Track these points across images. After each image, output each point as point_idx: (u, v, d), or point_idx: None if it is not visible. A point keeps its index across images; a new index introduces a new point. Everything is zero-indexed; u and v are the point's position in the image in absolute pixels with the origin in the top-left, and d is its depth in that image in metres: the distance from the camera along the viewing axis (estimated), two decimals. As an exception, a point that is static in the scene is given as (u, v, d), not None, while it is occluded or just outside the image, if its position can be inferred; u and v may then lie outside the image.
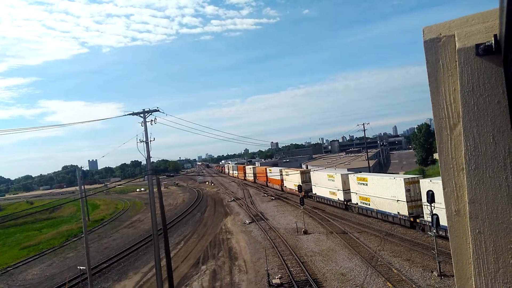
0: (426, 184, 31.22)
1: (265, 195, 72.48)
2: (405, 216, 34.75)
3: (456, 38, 1.61)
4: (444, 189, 1.68)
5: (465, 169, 1.58)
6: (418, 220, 33.28)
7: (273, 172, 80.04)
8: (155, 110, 24.12)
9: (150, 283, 28.69)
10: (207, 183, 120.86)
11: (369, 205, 40.88)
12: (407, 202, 34.25)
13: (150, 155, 23.91)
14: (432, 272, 23.74)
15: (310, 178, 60.05)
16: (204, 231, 45.41)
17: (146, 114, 24.02)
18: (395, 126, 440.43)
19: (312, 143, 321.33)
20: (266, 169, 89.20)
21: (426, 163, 79.12)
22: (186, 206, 70.40)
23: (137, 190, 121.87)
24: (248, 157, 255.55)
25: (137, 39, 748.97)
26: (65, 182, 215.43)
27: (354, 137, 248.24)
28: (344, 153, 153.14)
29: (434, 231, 23.79)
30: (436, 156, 75.71)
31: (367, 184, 41.19)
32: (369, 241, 32.41)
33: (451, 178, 1.66)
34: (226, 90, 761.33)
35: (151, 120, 24.08)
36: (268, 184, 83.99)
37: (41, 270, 37.62)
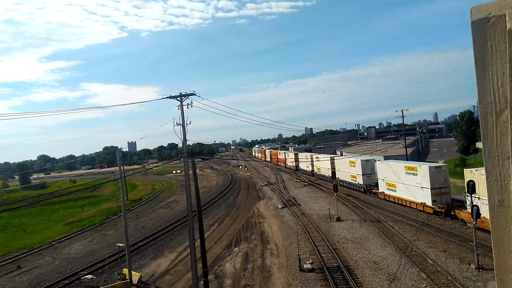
0: (336, 160, 63.17)
1: (298, 180, 72.45)
2: (329, 176, 60.03)
3: (507, 18, 1.51)
4: (487, 178, 1.60)
5: (510, 158, 1.50)
6: (334, 178, 55.58)
7: (280, 154, 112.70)
8: (192, 94, 24.38)
9: (184, 262, 29.63)
10: (240, 167, 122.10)
11: (320, 172, 70.47)
12: (331, 169, 61.07)
13: (186, 138, 24.34)
14: (470, 264, 23.04)
15: (298, 157, 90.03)
16: (237, 214, 46.12)
17: (182, 97, 24.37)
18: (436, 113, 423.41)
19: (347, 129, 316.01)
20: (277, 152, 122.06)
21: (467, 152, 75.98)
22: (220, 189, 71.60)
23: (174, 172, 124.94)
24: (281, 142, 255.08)
25: (174, 23, 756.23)
26: (105, 162, 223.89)
27: (392, 123, 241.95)
28: (381, 140, 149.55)
29: (474, 222, 22.97)
30: (479, 145, 72.81)
31: (319, 160, 72.53)
32: (404, 230, 31.80)
33: (495, 167, 1.58)
34: (261, 74, 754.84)
35: (188, 104, 24.39)
36: (278, 163, 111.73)
37: (82, 246, 39.68)
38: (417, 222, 33.69)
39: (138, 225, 47.07)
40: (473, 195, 25.32)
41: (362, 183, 51.11)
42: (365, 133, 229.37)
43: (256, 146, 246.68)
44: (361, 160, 51.50)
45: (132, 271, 26.87)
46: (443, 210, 34.38)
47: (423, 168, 36.98)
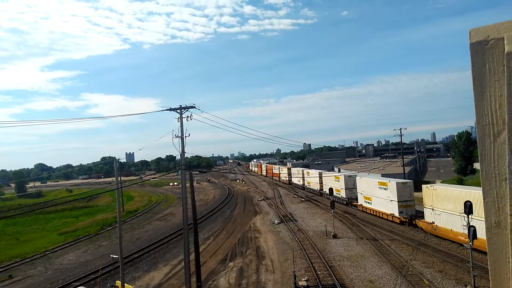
0: (324, 176, 67.91)
1: (295, 196, 72.15)
2: (319, 190, 69.85)
3: (505, 41, 1.53)
4: (484, 199, 1.60)
5: (508, 179, 1.50)
6: (323, 191, 64.24)
7: (275, 169, 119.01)
8: (191, 107, 24.47)
9: (178, 276, 29.26)
10: (238, 181, 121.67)
11: (310, 185, 75.88)
12: (319, 183, 69.00)
13: (185, 151, 24.36)
14: (466, 286, 22.80)
15: (291, 172, 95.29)
16: (233, 228, 45.76)
17: (182, 110, 24.46)
18: (434, 133, 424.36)
19: (345, 146, 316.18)
20: (272, 166, 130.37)
21: (465, 173, 76.00)
22: (217, 202, 71.19)
23: (171, 184, 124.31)
24: (280, 157, 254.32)
25: (176, 37, 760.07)
26: (103, 172, 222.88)
27: (390, 142, 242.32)
28: (379, 158, 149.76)
29: (471, 243, 22.81)
30: (476, 166, 72.79)
31: (309, 175, 77.13)
32: (400, 249, 31.56)
33: (493, 188, 1.58)
34: (261, 89, 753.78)
35: (187, 116, 24.47)
36: (273, 177, 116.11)
37: (76, 256, 39.20)
38: (414, 242, 33.47)
39: (133, 236, 46.62)
40: (470, 216, 25.18)
41: (344, 197, 55.93)
42: (363, 151, 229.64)
43: (254, 160, 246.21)
44: (344, 175, 57.28)
45: (125, 284, 26.48)
46: (407, 220, 39.31)
47: (392, 184, 41.57)
